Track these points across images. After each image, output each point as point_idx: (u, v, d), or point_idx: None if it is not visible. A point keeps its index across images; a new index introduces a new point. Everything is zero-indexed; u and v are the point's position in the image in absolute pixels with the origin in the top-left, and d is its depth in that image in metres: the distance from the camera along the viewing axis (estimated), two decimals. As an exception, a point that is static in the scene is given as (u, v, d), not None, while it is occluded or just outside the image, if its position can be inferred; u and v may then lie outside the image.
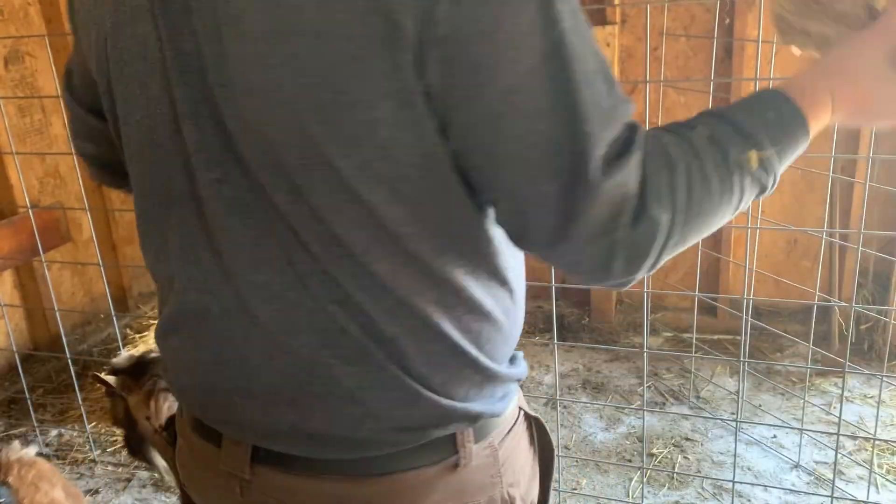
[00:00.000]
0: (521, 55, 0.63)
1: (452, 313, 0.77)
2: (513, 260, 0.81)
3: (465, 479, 0.83)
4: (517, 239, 0.73)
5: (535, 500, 0.94)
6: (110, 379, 1.74)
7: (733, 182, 0.71)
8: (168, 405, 1.72)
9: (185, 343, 0.86)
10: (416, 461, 0.81)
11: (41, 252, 2.62)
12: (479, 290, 0.78)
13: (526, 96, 0.64)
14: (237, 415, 0.84)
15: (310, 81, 0.65)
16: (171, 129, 0.76)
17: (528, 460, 0.92)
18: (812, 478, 2.43)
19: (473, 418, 0.82)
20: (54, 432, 2.87)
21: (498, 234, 0.76)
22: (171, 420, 1.06)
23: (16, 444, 1.69)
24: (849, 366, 2.25)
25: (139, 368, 1.76)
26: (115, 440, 2.75)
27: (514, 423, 0.89)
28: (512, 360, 0.89)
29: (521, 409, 0.92)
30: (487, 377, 0.82)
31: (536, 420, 0.94)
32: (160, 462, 1.78)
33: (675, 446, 2.62)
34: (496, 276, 0.79)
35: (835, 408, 2.75)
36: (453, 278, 0.75)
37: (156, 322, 0.94)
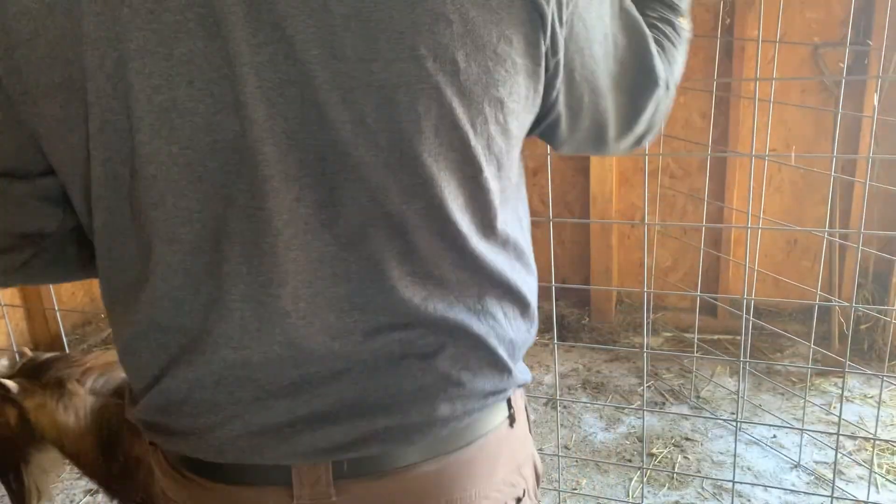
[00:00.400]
0: (603, 14, 0.82)
1: (520, 274, 0.87)
2: None
3: (518, 434, 0.93)
4: (598, 146, 0.92)
5: None
6: (9, 383, 1.61)
7: (683, 43, 1.01)
8: (90, 401, 1.62)
9: (219, 395, 0.80)
10: (490, 424, 0.86)
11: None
12: (525, 244, 0.92)
13: (612, 40, 0.83)
14: (309, 440, 0.80)
15: (453, 68, 0.69)
16: (229, 156, 0.70)
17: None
18: (812, 478, 2.43)
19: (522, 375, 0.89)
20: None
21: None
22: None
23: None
24: (849, 366, 2.25)
25: (35, 370, 1.67)
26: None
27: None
28: None
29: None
30: (531, 335, 0.90)
31: None
32: (34, 480, 1.72)
33: (675, 446, 2.62)
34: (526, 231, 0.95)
35: (835, 408, 2.76)
36: (514, 237, 0.87)
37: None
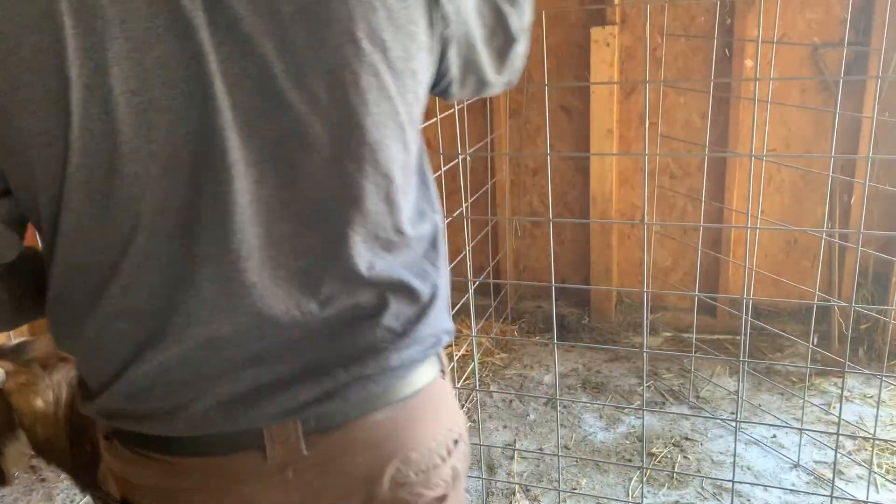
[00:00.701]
0: None
1: (438, 217, 0.98)
2: None
3: (447, 385, 1.04)
4: (480, 93, 1.09)
5: None
6: None
7: None
8: (65, 386, 1.59)
9: (187, 374, 0.86)
10: (430, 374, 0.97)
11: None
12: (433, 188, 1.01)
13: (478, 10, 0.97)
14: (277, 402, 0.87)
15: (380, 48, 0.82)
16: (198, 147, 0.78)
17: None
18: (812, 477, 2.43)
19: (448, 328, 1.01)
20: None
21: None
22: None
23: None
24: (848, 366, 2.26)
25: (13, 353, 1.64)
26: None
27: None
28: None
29: None
30: (449, 284, 1.03)
31: None
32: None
33: (674, 446, 2.62)
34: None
35: (834, 407, 2.76)
36: (432, 185, 0.99)
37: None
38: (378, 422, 0.92)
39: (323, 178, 0.82)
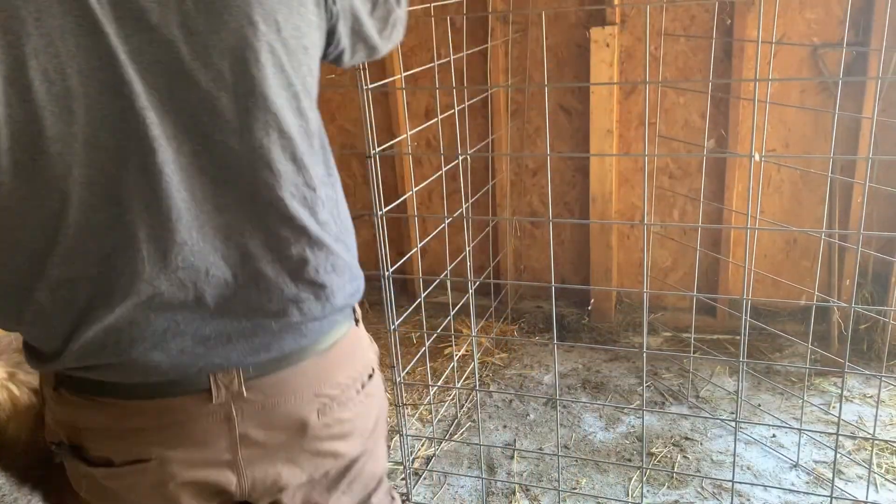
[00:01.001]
0: None
1: (339, 191, 1.14)
2: None
3: (362, 332, 1.24)
4: (371, 54, 1.25)
5: None
6: None
7: None
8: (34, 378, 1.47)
9: (135, 331, 0.97)
10: (348, 324, 1.16)
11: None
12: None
13: None
14: (222, 353, 1.02)
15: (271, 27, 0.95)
16: (118, 126, 0.89)
17: None
18: (811, 477, 2.43)
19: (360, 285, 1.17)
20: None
21: None
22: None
23: None
24: (848, 366, 2.26)
25: None
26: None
27: None
28: None
29: None
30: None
31: None
32: None
33: (674, 446, 2.62)
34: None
35: (834, 407, 2.76)
36: (328, 150, 1.11)
37: None
38: (305, 369, 1.09)
39: (235, 143, 0.95)
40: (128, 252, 0.93)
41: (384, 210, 2.17)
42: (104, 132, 0.88)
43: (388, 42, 1.27)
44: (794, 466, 2.48)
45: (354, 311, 1.20)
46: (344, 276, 1.11)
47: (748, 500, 2.34)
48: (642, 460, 2.44)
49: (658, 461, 2.54)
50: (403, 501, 2.43)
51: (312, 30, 1.02)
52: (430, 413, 2.89)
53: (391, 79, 3.30)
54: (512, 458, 2.62)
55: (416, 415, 2.90)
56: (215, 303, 1.00)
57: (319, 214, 1.05)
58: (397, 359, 2.32)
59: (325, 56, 1.12)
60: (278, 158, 0.98)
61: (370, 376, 1.22)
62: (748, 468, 2.49)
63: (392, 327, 2.27)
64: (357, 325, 1.21)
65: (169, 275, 0.95)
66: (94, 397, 1.03)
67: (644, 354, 2.15)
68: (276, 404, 1.09)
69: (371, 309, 3.83)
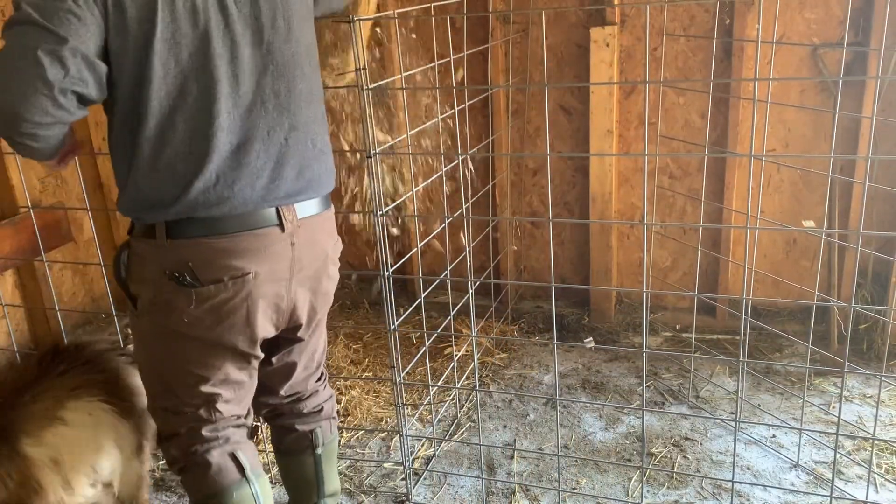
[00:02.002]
0: None
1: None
2: None
3: (333, 215, 1.83)
4: (337, 9, 2.00)
5: None
6: None
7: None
8: None
9: (228, 173, 1.57)
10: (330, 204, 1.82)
11: (42, 252, 2.63)
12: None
13: None
14: (281, 189, 1.64)
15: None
16: (224, 30, 1.55)
17: None
18: (811, 477, 2.43)
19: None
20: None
21: None
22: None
23: None
24: (848, 365, 2.26)
25: None
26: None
27: None
28: None
29: None
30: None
31: None
32: None
33: (674, 446, 2.62)
34: None
35: (834, 407, 2.76)
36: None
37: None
38: (326, 216, 1.77)
39: (286, 51, 1.64)
40: (216, 121, 1.54)
41: (384, 210, 2.17)
42: (215, 40, 1.52)
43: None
44: (794, 466, 2.48)
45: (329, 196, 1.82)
46: (329, 153, 1.77)
47: (748, 500, 2.34)
48: (642, 460, 2.44)
49: (658, 461, 2.54)
50: (403, 502, 2.44)
51: None
52: (430, 413, 2.89)
53: (391, 79, 3.30)
54: (512, 458, 2.62)
55: (416, 415, 2.90)
56: (276, 168, 1.61)
57: (319, 114, 1.73)
58: (397, 359, 2.32)
59: None
60: (311, 73, 1.71)
61: (337, 242, 1.85)
62: (748, 468, 2.49)
63: (392, 327, 2.27)
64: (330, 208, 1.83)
65: (245, 132, 1.57)
66: (202, 238, 1.57)
67: (644, 354, 2.15)
68: (316, 239, 1.71)
69: (371, 309, 3.83)
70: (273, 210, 1.61)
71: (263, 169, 1.59)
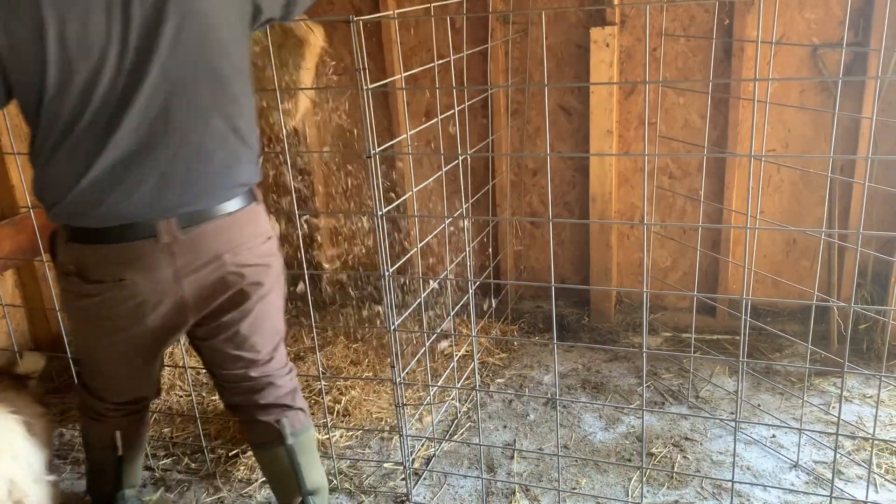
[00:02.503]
0: None
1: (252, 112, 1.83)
2: None
3: (260, 208, 1.90)
4: (287, 15, 1.95)
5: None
6: None
7: None
8: None
9: (132, 176, 1.66)
10: (246, 201, 1.84)
11: (42, 252, 2.63)
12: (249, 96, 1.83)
13: None
14: (165, 204, 1.70)
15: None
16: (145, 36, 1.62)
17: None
18: (811, 477, 2.43)
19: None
20: (55, 432, 2.87)
21: None
22: None
23: None
24: (847, 366, 2.26)
25: None
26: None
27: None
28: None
29: None
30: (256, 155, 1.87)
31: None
32: None
33: (674, 446, 2.62)
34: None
35: (834, 407, 2.76)
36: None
37: None
38: (219, 223, 1.78)
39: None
40: (114, 134, 1.62)
41: (384, 210, 2.17)
42: (109, 56, 1.59)
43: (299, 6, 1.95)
44: (794, 466, 2.48)
45: (253, 194, 1.86)
46: (244, 163, 1.78)
47: (748, 500, 2.34)
48: (642, 460, 2.44)
49: (658, 461, 2.54)
50: (403, 502, 2.43)
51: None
52: (430, 413, 2.89)
53: (391, 79, 3.30)
54: (512, 458, 2.62)
55: (416, 415, 2.90)
56: (161, 172, 1.67)
57: (235, 118, 1.74)
58: (397, 359, 2.32)
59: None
60: (233, 81, 1.75)
61: (268, 238, 1.90)
62: (748, 468, 2.49)
63: (392, 327, 2.27)
64: (256, 204, 1.87)
65: (133, 147, 1.64)
66: (87, 245, 1.72)
67: (644, 354, 2.15)
68: (206, 246, 1.76)
69: (371, 309, 3.83)
70: (151, 223, 1.69)
71: (143, 183, 1.66)
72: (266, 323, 1.96)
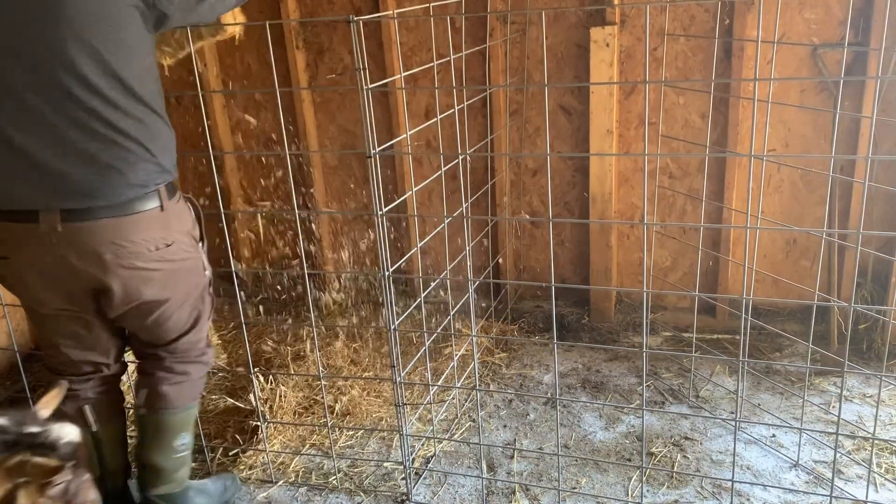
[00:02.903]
0: None
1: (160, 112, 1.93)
2: None
3: (166, 213, 1.94)
4: (185, 20, 2.00)
5: (198, 234, 2.11)
6: None
7: None
8: None
9: (20, 169, 1.80)
10: (150, 205, 1.90)
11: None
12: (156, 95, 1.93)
13: None
14: (48, 195, 1.81)
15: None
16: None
17: (191, 213, 2.09)
18: (811, 477, 2.43)
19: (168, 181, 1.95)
20: (55, 432, 2.87)
21: None
22: None
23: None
24: (848, 365, 2.26)
25: None
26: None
27: (180, 197, 2.03)
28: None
29: (180, 193, 2.04)
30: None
31: (190, 199, 2.12)
32: None
33: (674, 445, 2.62)
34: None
35: (834, 407, 2.76)
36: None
37: None
38: (102, 224, 1.84)
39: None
40: (6, 129, 1.77)
41: (384, 210, 2.17)
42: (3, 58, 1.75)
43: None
44: (794, 466, 2.48)
45: (160, 197, 1.91)
46: (135, 165, 1.84)
47: (748, 499, 2.34)
48: (642, 460, 2.44)
49: (658, 461, 2.54)
50: (403, 501, 2.44)
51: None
52: (430, 413, 2.89)
53: (391, 79, 3.30)
54: (512, 457, 2.62)
55: (416, 415, 2.90)
56: (42, 168, 1.78)
57: (120, 122, 1.81)
58: (397, 359, 2.32)
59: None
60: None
61: (168, 245, 1.94)
62: (748, 468, 2.49)
63: (392, 327, 2.27)
64: (161, 210, 1.92)
65: (22, 143, 1.77)
66: None
67: (644, 354, 2.15)
68: (81, 240, 1.83)
69: (371, 309, 3.83)
70: (34, 212, 1.82)
71: (28, 175, 1.80)
72: (162, 324, 2.07)
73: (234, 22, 2.33)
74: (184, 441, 2.21)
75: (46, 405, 1.70)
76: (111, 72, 1.79)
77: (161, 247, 1.93)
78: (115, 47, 1.79)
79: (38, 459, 1.53)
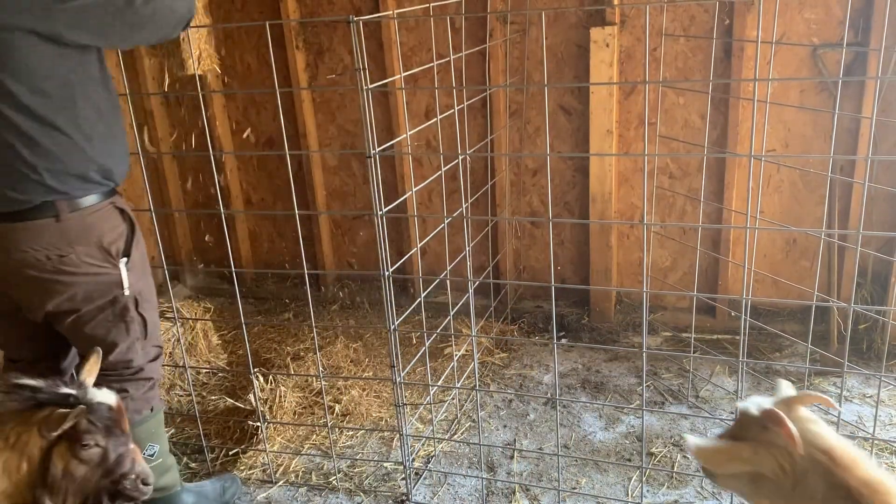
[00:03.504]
0: None
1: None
2: None
3: (72, 225, 1.90)
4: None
5: (122, 248, 2.02)
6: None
7: None
8: None
9: None
10: (52, 212, 1.88)
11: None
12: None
13: None
14: None
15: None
16: None
17: (117, 227, 2.00)
18: (811, 477, 2.43)
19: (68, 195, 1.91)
20: (55, 432, 2.87)
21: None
22: None
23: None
24: (847, 365, 2.26)
25: None
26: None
27: (103, 207, 1.97)
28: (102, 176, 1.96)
29: (112, 203, 2.00)
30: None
31: (123, 210, 2.04)
32: None
33: (674, 445, 2.62)
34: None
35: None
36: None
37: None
38: (22, 228, 1.86)
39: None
40: None
41: (384, 210, 2.17)
42: None
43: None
44: (794, 466, 2.48)
45: (61, 206, 1.88)
46: (33, 174, 1.82)
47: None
48: (642, 460, 2.44)
49: (658, 461, 2.55)
50: (403, 501, 2.44)
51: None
52: (430, 413, 2.89)
53: (391, 79, 3.30)
54: (512, 457, 2.62)
55: (416, 415, 2.90)
56: None
57: (9, 138, 1.79)
58: (397, 359, 2.32)
59: None
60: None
61: (61, 256, 1.90)
62: (748, 468, 2.49)
63: (392, 327, 2.27)
64: (59, 220, 1.88)
65: None
66: None
67: (644, 354, 2.15)
68: (3, 245, 1.87)
69: (371, 309, 3.83)
70: None
71: None
72: (80, 338, 2.05)
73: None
74: (152, 451, 2.15)
75: (89, 372, 1.70)
76: (5, 90, 1.77)
77: (53, 257, 1.90)
78: (8, 66, 1.78)
79: (62, 410, 1.52)
